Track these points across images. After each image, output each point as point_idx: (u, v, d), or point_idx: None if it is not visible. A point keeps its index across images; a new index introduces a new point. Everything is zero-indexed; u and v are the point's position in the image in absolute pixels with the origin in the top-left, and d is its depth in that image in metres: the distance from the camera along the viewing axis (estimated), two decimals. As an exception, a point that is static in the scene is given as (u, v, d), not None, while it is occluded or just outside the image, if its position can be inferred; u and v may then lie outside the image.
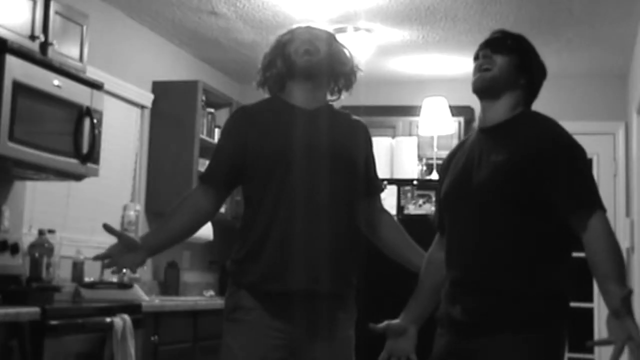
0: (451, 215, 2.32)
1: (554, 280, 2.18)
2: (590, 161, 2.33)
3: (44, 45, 3.64)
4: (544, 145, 2.17)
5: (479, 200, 2.20)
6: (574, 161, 2.18)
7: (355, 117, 2.55)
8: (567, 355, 6.10)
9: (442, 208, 2.39)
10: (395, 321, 2.40)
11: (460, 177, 2.29)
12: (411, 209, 5.85)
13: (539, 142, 2.18)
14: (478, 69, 2.32)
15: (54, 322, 3.28)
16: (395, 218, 2.68)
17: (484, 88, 2.29)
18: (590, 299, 6.01)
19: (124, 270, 4.64)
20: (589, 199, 2.16)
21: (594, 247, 2.11)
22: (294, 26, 2.53)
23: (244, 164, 2.40)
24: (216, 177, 2.45)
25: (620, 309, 2.03)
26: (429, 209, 5.84)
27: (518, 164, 2.16)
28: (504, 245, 2.17)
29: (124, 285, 4.39)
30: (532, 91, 2.34)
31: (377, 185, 2.59)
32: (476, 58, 2.35)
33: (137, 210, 5.07)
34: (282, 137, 2.37)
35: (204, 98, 5.36)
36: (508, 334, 2.13)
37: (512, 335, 2.12)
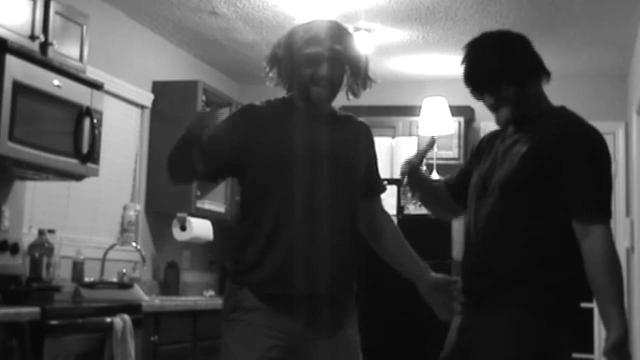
0: (473, 203, 2.35)
1: (566, 272, 2.20)
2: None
3: (44, 45, 3.64)
4: (565, 140, 2.19)
5: (500, 190, 2.23)
6: (592, 162, 2.18)
7: (358, 119, 2.54)
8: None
9: (468, 196, 2.42)
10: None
11: (486, 171, 2.34)
12: (411, 209, 5.84)
13: (561, 136, 2.20)
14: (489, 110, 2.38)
15: (54, 322, 3.28)
16: (395, 219, 2.68)
17: (510, 121, 2.32)
18: (590, 299, 6.00)
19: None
20: (596, 203, 2.16)
21: (593, 260, 2.12)
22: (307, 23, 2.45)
23: (237, 162, 2.39)
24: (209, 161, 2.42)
25: (623, 346, 2.06)
26: (429, 209, 5.83)
27: (538, 154, 2.19)
28: (520, 235, 2.21)
29: (124, 285, 4.39)
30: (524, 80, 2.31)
31: (377, 186, 2.58)
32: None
33: (137, 210, 5.07)
34: (284, 141, 2.37)
35: (204, 98, 5.36)
36: (514, 311, 2.17)
37: (517, 312, 2.17)
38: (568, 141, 2.19)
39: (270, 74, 2.46)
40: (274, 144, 2.36)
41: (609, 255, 2.12)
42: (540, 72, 2.31)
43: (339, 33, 2.41)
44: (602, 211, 2.16)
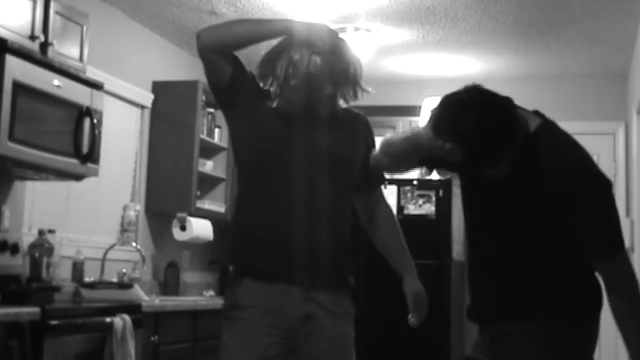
0: (478, 238, 2.33)
1: (583, 291, 2.19)
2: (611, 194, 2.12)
3: (44, 45, 3.64)
4: (563, 183, 2.09)
5: (510, 234, 2.20)
6: (591, 202, 2.10)
7: (355, 111, 2.54)
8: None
9: (471, 230, 2.36)
10: None
11: (490, 207, 2.26)
12: (411, 209, 5.85)
13: (559, 178, 2.09)
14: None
15: (54, 322, 3.28)
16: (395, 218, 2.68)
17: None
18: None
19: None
20: (605, 245, 2.10)
21: (615, 307, 2.09)
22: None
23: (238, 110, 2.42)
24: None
25: None
26: (429, 209, 5.84)
27: (543, 201, 2.12)
28: (534, 267, 2.18)
29: (124, 285, 4.39)
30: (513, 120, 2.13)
31: (376, 179, 2.58)
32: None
33: (137, 210, 5.07)
34: (282, 137, 2.38)
35: (204, 98, 5.36)
36: (533, 322, 2.16)
37: (537, 322, 2.16)
38: (568, 186, 2.08)
39: (260, 79, 2.44)
40: (271, 138, 2.37)
41: (631, 308, 2.08)
42: (510, 111, 2.11)
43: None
44: (615, 254, 2.10)
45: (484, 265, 2.29)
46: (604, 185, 2.13)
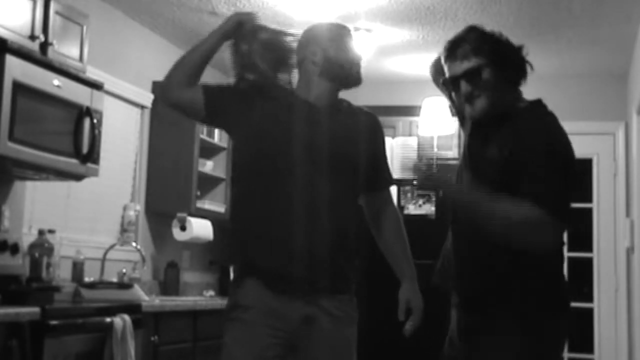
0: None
1: (548, 273, 2.20)
2: (574, 171, 2.15)
3: (44, 45, 3.64)
4: (524, 147, 2.14)
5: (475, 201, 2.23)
6: (545, 165, 2.12)
7: (365, 110, 2.54)
8: (567, 355, 6.11)
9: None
10: None
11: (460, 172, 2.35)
12: (411, 209, 5.85)
13: (522, 142, 2.15)
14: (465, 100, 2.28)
15: (54, 322, 3.28)
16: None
17: (487, 112, 2.25)
18: (590, 299, 6.02)
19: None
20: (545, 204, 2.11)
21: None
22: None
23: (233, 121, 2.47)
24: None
25: None
26: (429, 209, 5.84)
27: (505, 168, 2.16)
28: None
29: (124, 285, 4.39)
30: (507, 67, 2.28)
31: (382, 179, 2.58)
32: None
33: (137, 210, 5.07)
34: (285, 131, 2.38)
35: (203, 98, 5.35)
36: (505, 312, 2.18)
37: (508, 313, 2.18)
38: (526, 152, 2.14)
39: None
40: (273, 133, 2.38)
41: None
42: (522, 68, 2.32)
43: (350, 33, 2.51)
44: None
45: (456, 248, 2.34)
46: (564, 161, 2.15)
